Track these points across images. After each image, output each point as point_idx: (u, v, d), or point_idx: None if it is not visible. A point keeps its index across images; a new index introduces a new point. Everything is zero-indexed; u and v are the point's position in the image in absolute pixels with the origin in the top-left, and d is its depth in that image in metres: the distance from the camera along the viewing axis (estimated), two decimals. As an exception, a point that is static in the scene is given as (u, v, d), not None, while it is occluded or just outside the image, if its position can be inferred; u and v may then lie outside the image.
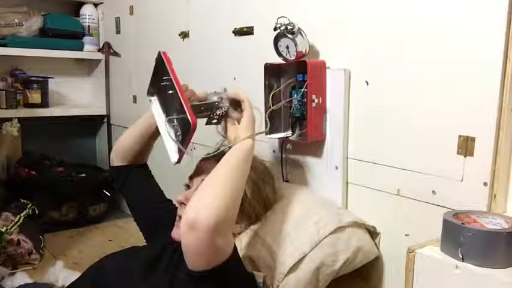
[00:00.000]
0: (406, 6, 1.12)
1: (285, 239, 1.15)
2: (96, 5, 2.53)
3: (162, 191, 1.36)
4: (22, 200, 1.97)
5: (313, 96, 1.27)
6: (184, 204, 1.10)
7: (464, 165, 1.03)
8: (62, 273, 1.57)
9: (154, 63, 1.09)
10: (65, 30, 2.42)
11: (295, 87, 1.33)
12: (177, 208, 1.18)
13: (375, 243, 1.24)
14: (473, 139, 1.01)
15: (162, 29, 2.05)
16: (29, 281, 1.56)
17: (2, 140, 2.18)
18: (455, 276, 0.82)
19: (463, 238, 0.82)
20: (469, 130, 1.02)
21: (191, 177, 1.19)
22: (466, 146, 1.02)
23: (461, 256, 0.82)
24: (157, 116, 1.11)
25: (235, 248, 0.98)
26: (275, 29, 1.29)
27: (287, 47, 1.29)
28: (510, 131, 0.99)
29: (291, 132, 1.35)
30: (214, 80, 1.70)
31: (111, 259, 1.18)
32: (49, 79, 2.40)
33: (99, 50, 2.53)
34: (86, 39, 2.50)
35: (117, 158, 1.32)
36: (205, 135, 1.14)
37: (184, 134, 1.00)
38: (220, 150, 1.14)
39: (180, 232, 0.93)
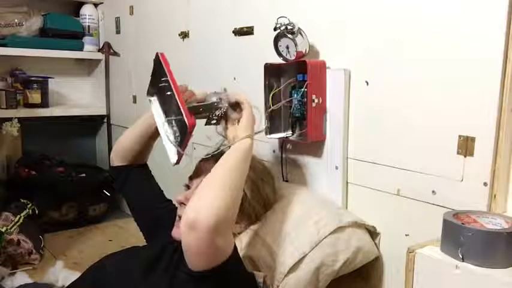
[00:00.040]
0: (406, 6, 1.12)
1: (285, 239, 1.15)
2: (96, 5, 2.53)
3: (162, 191, 1.36)
4: (22, 200, 1.97)
5: (313, 96, 1.27)
6: (184, 204, 1.10)
7: (464, 165, 1.03)
8: (62, 273, 1.57)
9: (153, 64, 1.09)
10: (65, 30, 2.42)
11: (295, 87, 1.33)
12: (177, 208, 1.18)
13: (375, 243, 1.24)
14: (473, 139, 1.01)
15: (162, 29, 2.05)
16: (29, 281, 1.56)
17: (2, 140, 2.18)
18: (455, 276, 0.82)
19: (463, 238, 0.82)
20: (469, 130, 1.02)
21: (191, 178, 1.19)
22: (466, 146, 1.02)
23: (461, 256, 0.82)
24: (157, 117, 1.11)
25: (235, 248, 0.98)
26: (275, 29, 1.29)
27: (287, 47, 1.29)
28: (510, 131, 0.99)
29: (291, 132, 1.35)
30: (214, 80, 1.70)
31: (111, 259, 1.18)
32: (49, 79, 2.39)
33: (99, 50, 2.53)
34: (86, 39, 2.50)
35: (117, 158, 1.32)
36: (206, 135, 1.14)
37: (182, 135, 1.00)
38: (219, 150, 1.14)
39: (180, 232, 0.93)
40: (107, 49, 2.49)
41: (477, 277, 0.81)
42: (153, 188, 1.35)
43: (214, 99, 1.10)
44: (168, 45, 1.95)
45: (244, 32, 1.58)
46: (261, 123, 1.21)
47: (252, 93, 1.21)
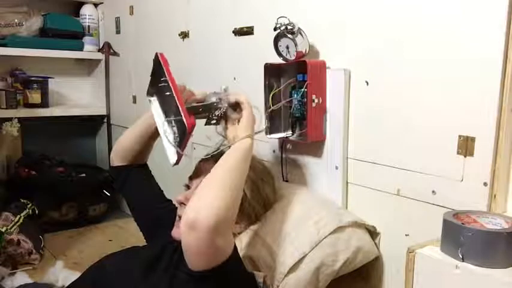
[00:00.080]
0: (406, 6, 1.12)
1: (285, 239, 1.15)
2: (96, 5, 2.53)
3: (162, 191, 1.36)
4: (22, 200, 1.97)
5: (313, 96, 1.27)
6: (184, 204, 1.10)
7: (464, 165, 1.03)
8: (62, 273, 1.57)
9: (152, 64, 1.09)
10: (65, 30, 2.42)
11: (295, 87, 1.33)
12: (177, 208, 1.18)
13: (375, 243, 1.24)
14: (473, 139, 1.01)
15: (162, 29, 2.05)
16: (29, 281, 1.56)
17: (2, 140, 2.18)
18: (455, 276, 0.82)
19: (463, 238, 0.82)
20: (469, 130, 1.02)
21: (191, 178, 1.19)
22: (466, 146, 1.02)
23: (461, 256, 0.82)
24: (157, 117, 1.11)
25: (235, 248, 0.98)
26: (275, 29, 1.29)
27: (287, 47, 1.29)
28: (510, 131, 0.99)
29: (291, 132, 1.35)
30: (214, 80, 1.70)
31: (111, 259, 1.18)
32: (49, 79, 2.40)
33: (99, 50, 2.53)
34: (86, 39, 2.50)
35: (117, 158, 1.32)
36: (206, 135, 1.14)
37: (182, 135, 1.00)
38: (219, 150, 1.14)
39: (180, 232, 0.93)
40: (107, 49, 2.49)
41: (477, 277, 0.81)
42: (153, 188, 1.35)
43: (213, 99, 1.10)
44: (168, 45, 1.95)
45: (244, 32, 1.58)
46: (261, 123, 1.21)
47: (252, 93, 1.21)
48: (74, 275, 1.37)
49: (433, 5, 1.07)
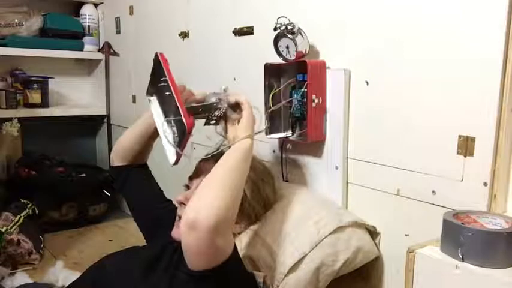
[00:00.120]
0: (406, 6, 1.12)
1: (285, 239, 1.15)
2: (96, 5, 2.53)
3: (162, 191, 1.36)
4: (22, 200, 1.97)
5: (313, 96, 1.27)
6: (184, 204, 1.10)
7: (464, 165, 1.03)
8: (62, 273, 1.57)
9: (152, 64, 1.09)
10: (65, 30, 2.42)
11: (295, 87, 1.33)
12: (177, 208, 1.18)
13: (375, 243, 1.24)
14: (473, 139, 1.01)
15: (162, 29, 2.05)
16: (29, 281, 1.56)
17: (2, 140, 2.18)
18: (455, 276, 0.82)
19: (463, 238, 0.82)
20: (469, 130, 1.02)
21: (191, 178, 1.19)
22: (466, 146, 1.02)
23: (461, 256, 0.82)
24: (157, 117, 1.11)
25: (235, 248, 0.98)
26: (275, 29, 1.29)
27: (287, 47, 1.29)
28: (510, 131, 0.99)
29: (291, 132, 1.35)
30: (214, 80, 1.70)
31: (111, 259, 1.18)
32: (49, 79, 2.40)
33: (99, 50, 2.53)
34: (86, 39, 2.50)
35: (117, 158, 1.32)
36: (206, 135, 1.14)
37: (181, 135, 1.00)
38: (219, 150, 1.14)
39: (180, 232, 0.93)
40: (106, 49, 2.49)
41: (477, 277, 0.81)
42: (153, 188, 1.35)
43: (213, 99, 1.09)
44: (168, 45, 1.95)
45: (244, 32, 1.58)
46: (261, 123, 1.20)
47: (252, 93, 1.21)
48: (74, 275, 1.37)
49: (433, 5, 1.07)
